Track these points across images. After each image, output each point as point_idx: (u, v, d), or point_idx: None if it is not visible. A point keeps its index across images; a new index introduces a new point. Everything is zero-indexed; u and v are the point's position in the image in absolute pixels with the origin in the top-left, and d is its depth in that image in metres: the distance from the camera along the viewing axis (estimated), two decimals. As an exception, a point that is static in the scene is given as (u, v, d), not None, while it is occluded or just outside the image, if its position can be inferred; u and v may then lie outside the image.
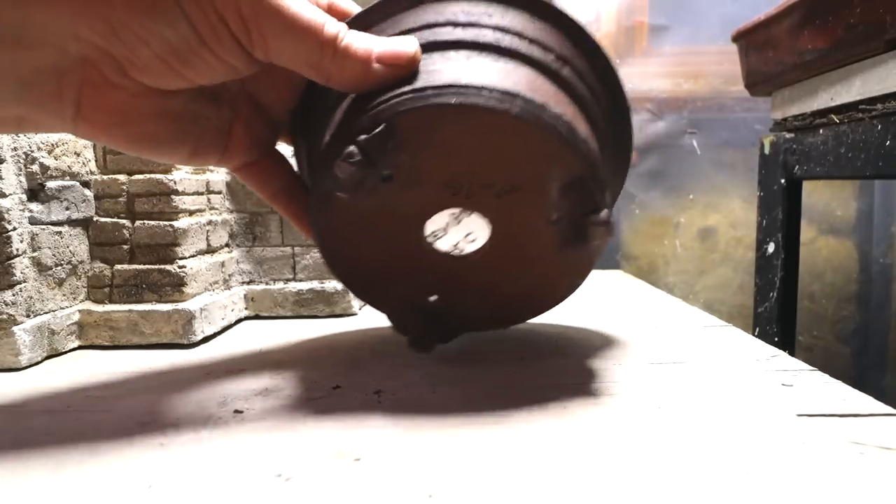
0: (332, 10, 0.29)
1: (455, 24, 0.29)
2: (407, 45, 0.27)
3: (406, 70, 0.27)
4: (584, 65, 0.31)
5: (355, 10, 0.30)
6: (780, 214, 0.68)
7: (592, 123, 0.31)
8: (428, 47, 0.28)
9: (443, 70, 0.27)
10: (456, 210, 0.30)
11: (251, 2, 0.24)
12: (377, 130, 0.26)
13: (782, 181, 0.67)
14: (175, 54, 0.24)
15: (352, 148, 0.26)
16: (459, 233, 0.32)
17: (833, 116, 0.57)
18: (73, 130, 0.26)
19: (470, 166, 0.28)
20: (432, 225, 0.31)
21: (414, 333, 0.33)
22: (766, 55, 0.65)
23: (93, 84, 0.25)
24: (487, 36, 0.28)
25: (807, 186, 0.72)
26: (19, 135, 0.34)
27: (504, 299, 0.34)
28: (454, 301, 0.33)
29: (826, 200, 0.98)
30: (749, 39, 0.68)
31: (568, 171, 0.27)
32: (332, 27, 0.26)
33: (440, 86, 0.26)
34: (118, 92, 0.26)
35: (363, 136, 0.26)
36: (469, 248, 0.32)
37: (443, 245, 0.32)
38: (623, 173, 0.37)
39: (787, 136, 0.66)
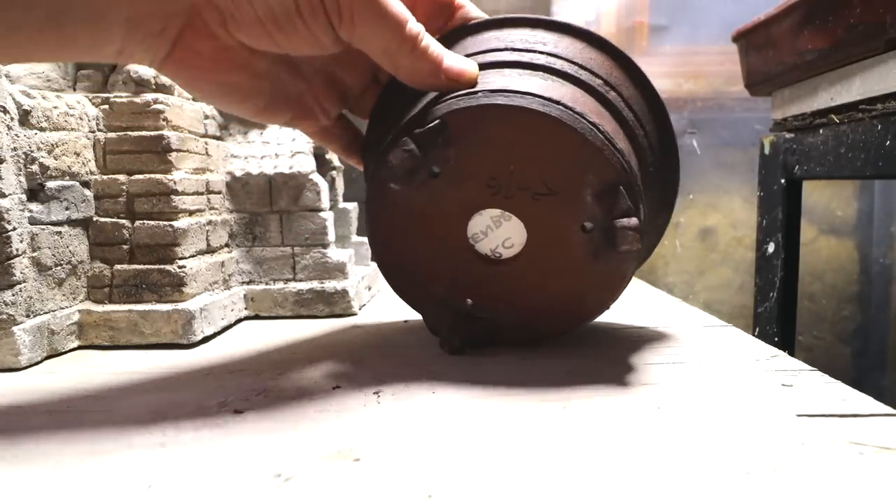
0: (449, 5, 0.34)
1: (513, 50, 0.33)
2: (471, 66, 0.31)
3: (465, 87, 0.30)
4: (631, 93, 0.34)
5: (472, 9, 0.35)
6: (780, 214, 0.68)
7: (634, 144, 0.33)
8: (486, 66, 0.31)
9: (496, 81, 0.30)
10: (497, 212, 0.32)
11: None
12: (430, 125, 0.29)
13: (782, 181, 0.67)
14: (272, 19, 0.27)
15: (406, 139, 0.29)
16: (499, 238, 0.33)
17: (833, 116, 0.57)
18: (159, 68, 0.29)
19: (510, 167, 0.30)
20: (474, 227, 0.33)
21: (446, 334, 0.35)
22: (766, 55, 0.65)
23: (193, 30, 0.27)
24: (540, 59, 0.32)
25: (807, 186, 0.72)
26: (19, 135, 0.34)
27: (533, 310, 0.34)
28: (486, 307, 0.34)
29: (826, 200, 0.98)
30: (749, 39, 0.68)
31: (602, 176, 0.29)
32: (415, 26, 0.29)
33: (491, 90, 0.29)
34: (213, 41, 0.28)
35: (417, 130, 0.29)
36: (506, 254, 0.33)
37: (482, 248, 0.33)
38: (668, 208, 0.39)
39: (787, 136, 0.66)
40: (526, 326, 0.35)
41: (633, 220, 0.29)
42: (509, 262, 0.33)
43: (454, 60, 0.30)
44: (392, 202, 0.32)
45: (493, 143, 0.30)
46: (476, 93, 0.29)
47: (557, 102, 0.29)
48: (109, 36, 0.26)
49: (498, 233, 0.33)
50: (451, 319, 0.35)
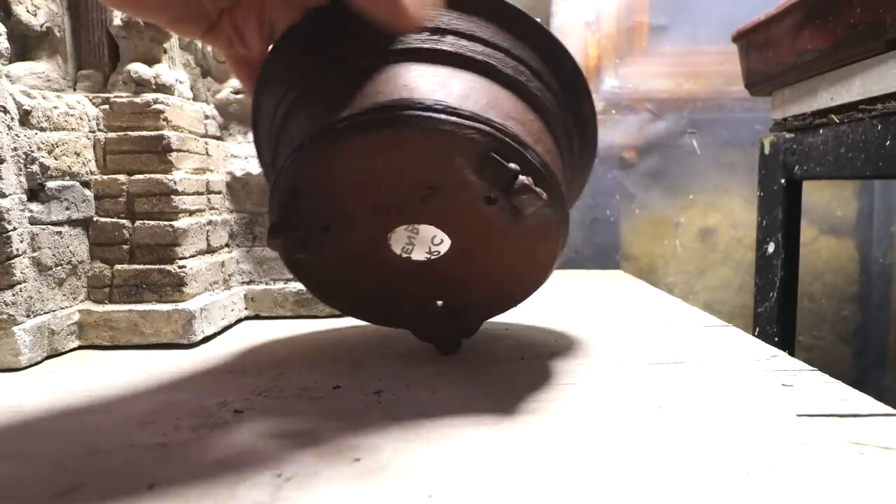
0: None
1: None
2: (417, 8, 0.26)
3: (406, 29, 0.27)
4: (503, 39, 0.30)
5: None
6: (780, 214, 0.68)
7: (520, 91, 0.29)
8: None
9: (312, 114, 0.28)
10: (403, 227, 0.31)
11: None
12: (283, 200, 0.28)
13: (782, 181, 0.67)
14: None
15: (274, 230, 0.28)
16: (425, 241, 0.33)
17: (833, 116, 0.57)
18: None
19: (380, 189, 0.29)
20: (397, 245, 0.32)
21: (437, 339, 0.35)
22: (766, 55, 0.65)
23: None
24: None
25: (807, 186, 0.72)
26: (19, 135, 0.34)
27: (497, 285, 0.34)
28: (458, 298, 0.34)
29: (826, 200, 0.98)
30: (749, 39, 0.68)
31: (466, 154, 0.27)
32: None
33: (310, 136, 0.27)
34: None
35: (275, 214, 0.28)
36: (444, 248, 0.33)
37: (419, 256, 0.33)
38: (587, 141, 0.35)
39: (787, 136, 0.66)
40: (499, 299, 0.35)
41: (522, 181, 0.26)
42: (449, 252, 0.32)
43: None
44: (310, 264, 0.32)
45: (348, 179, 0.28)
46: (301, 145, 0.27)
47: (392, 108, 0.26)
48: None
49: (422, 237, 0.32)
50: (435, 324, 0.34)
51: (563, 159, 0.32)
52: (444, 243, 0.32)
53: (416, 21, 0.27)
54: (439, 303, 0.34)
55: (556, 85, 0.32)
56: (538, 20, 0.31)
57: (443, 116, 0.26)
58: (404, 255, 0.33)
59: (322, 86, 0.28)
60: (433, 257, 0.33)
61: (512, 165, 0.26)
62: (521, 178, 0.26)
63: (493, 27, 0.30)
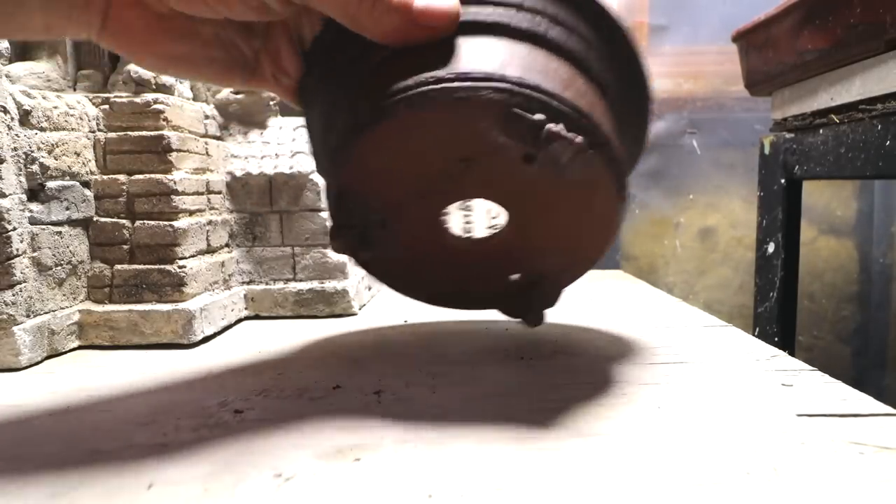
0: None
1: None
2: (445, 1, 0.25)
3: (444, 30, 0.26)
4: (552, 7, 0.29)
5: None
6: (780, 214, 0.68)
7: (533, 42, 0.28)
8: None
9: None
10: (458, 207, 0.30)
11: None
12: (333, 204, 0.29)
13: (782, 181, 0.67)
14: None
15: (331, 228, 0.29)
16: (482, 217, 0.32)
17: (833, 116, 0.57)
18: (98, 41, 0.26)
19: (416, 172, 0.28)
20: (456, 227, 0.32)
21: (521, 313, 0.34)
22: (766, 55, 0.65)
23: (122, 1, 0.25)
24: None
25: (807, 186, 0.72)
26: (19, 135, 0.34)
27: (564, 247, 0.33)
28: (530, 269, 0.33)
29: (826, 200, 0.98)
30: (749, 39, 0.68)
31: (489, 115, 0.26)
32: None
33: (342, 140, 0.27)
34: (144, 11, 0.25)
35: (330, 225, 0.29)
36: (502, 222, 0.32)
37: (480, 233, 0.33)
38: (639, 98, 0.34)
39: (787, 136, 0.66)
40: (571, 263, 0.34)
41: (550, 129, 0.25)
42: (510, 227, 0.32)
43: (425, 2, 0.25)
44: (376, 260, 0.32)
45: (383, 169, 0.28)
46: (336, 147, 0.27)
47: (405, 90, 0.25)
48: (28, 8, 0.23)
49: (477, 214, 0.31)
50: (516, 299, 0.34)
51: (606, 101, 0.30)
52: (500, 215, 0.31)
53: (446, 17, 0.26)
54: (514, 277, 0.33)
55: (584, 27, 0.30)
56: None
57: (455, 84, 0.25)
58: (465, 235, 0.32)
59: (347, 86, 0.28)
60: (494, 231, 0.32)
61: (537, 116, 0.25)
62: (549, 126, 0.25)
63: None
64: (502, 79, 0.25)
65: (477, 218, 0.32)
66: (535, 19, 0.28)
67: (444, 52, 0.26)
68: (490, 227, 0.32)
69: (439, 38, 0.26)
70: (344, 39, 0.27)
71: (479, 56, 0.26)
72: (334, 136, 0.29)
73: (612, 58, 0.31)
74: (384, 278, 0.35)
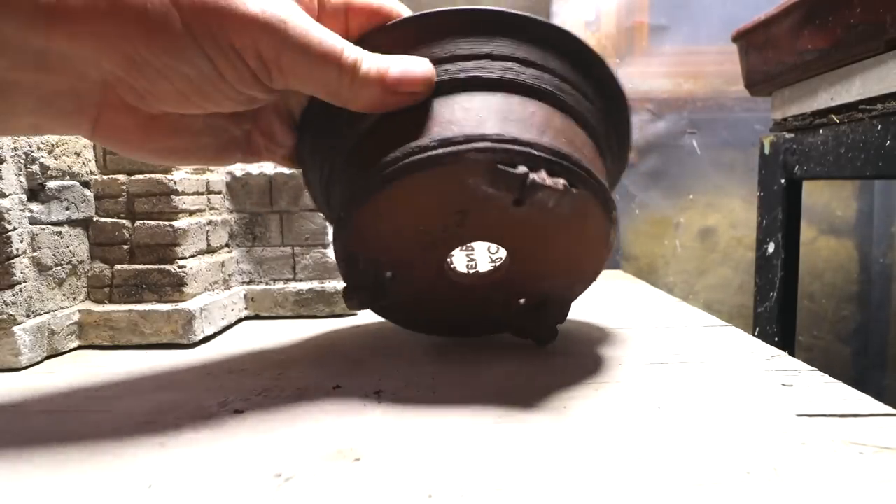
0: (380, 12, 0.29)
1: None
2: (420, 68, 0.27)
3: (422, 95, 0.27)
4: (530, 52, 0.30)
5: (403, 11, 0.30)
6: (780, 214, 0.68)
7: (508, 91, 0.29)
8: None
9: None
10: (459, 250, 0.33)
11: (272, 44, 0.24)
12: (343, 267, 0.31)
13: (782, 181, 0.67)
14: (194, 89, 0.25)
15: (344, 290, 0.32)
16: (483, 254, 0.34)
17: (833, 116, 0.57)
18: (91, 139, 0.27)
19: (417, 229, 0.30)
20: (460, 265, 0.34)
21: (533, 333, 0.36)
22: (766, 55, 0.65)
23: (112, 106, 0.26)
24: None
25: (807, 186, 0.72)
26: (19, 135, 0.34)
27: (565, 270, 0.34)
28: (535, 293, 0.34)
29: (826, 200, 0.98)
30: (749, 39, 0.68)
31: (476, 174, 0.27)
32: (351, 53, 0.26)
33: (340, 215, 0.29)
34: (135, 114, 0.26)
35: (344, 286, 0.32)
36: (503, 255, 0.34)
37: (482, 268, 0.35)
38: (618, 123, 0.35)
39: (787, 136, 0.66)
40: (570, 287, 0.35)
41: (533, 180, 0.26)
42: (512, 260, 0.33)
43: (399, 67, 0.27)
44: (395, 307, 0.34)
45: (387, 231, 0.30)
46: (339, 217, 0.29)
47: (393, 162, 0.27)
48: (19, 111, 0.24)
49: (479, 251, 0.33)
50: (528, 321, 0.35)
51: (587, 130, 0.31)
52: (500, 250, 0.33)
53: (419, 83, 0.27)
54: (521, 301, 0.35)
55: (558, 64, 0.31)
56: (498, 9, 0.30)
57: (439, 151, 0.26)
58: (471, 272, 0.34)
59: (338, 154, 0.30)
60: (497, 264, 0.34)
61: (520, 169, 0.26)
62: (532, 176, 0.26)
63: (474, 38, 0.30)
64: (482, 138, 0.27)
65: (479, 255, 0.34)
66: (506, 65, 0.29)
67: (424, 117, 0.28)
68: (492, 262, 0.35)
69: (419, 102, 0.28)
70: (330, 110, 0.29)
71: (457, 116, 0.28)
72: (334, 207, 0.31)
73: (586, 80, 0.32)
74: (399, 320, 0.36)
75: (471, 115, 0.28)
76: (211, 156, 0.30)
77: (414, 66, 0.27)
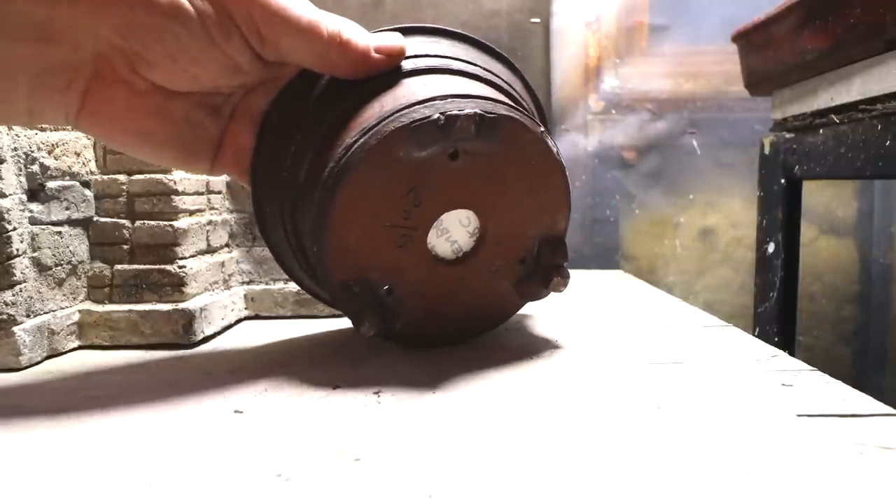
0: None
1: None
2: (395, 40, 0.31)
3: (397, 59, 0.31)
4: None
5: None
6: (780, 214, 0.68)
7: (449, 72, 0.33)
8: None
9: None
10: (433, 235, 0.33)
11: (261, 7, 0.27)
12: (338, 297, 0.32)
13: (782, 181, 0.67)
14: (185, 52, 0.27)
15: (352, 321, 0.32)
16: (458, 226, 0.34)
17: (833, 116, 0.57)
18: (74, 124, 0.28)
19: (381, 230, 0.31)
20: (446, 250, 0.34)
21: (546, 281, 0.35)
22: (766, 55, 0.65)
23: (102, 79, 0.27)
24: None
25: (807, 186, 0.72)
26: (19, 135, 0.34)
27: (536, 213, 0.35)
28: (523, 249, 0.35)
29: (826, 200, 0.98)
30: (749, 39, 0.68)
31: (399, 144, 0.29)
32: (333, 24, 0.29)
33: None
34: (124, 88, 0.27)
35: (352, 315, 0.32)
36: (472, 222, 0.34)
37: (464, 243, 0.34)
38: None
39: (787, 136, 0.66)
40: (550, 225, 0.36)
41: (447, 113, 0.28)
42: (483, 223, 0.34)
43: (379, 39, 0.31)
44: (408, 327, 0.34)
45: (357, 248, 0.31)
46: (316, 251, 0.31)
47: (323, 183, 0.29)
48: (15, 94, 0.26)
49: (452, 226, 0.33)
50: (540, 274, 0.35)
51: (501, 92, 0.34)
52: (471, 218, 0.33)
53: (396, 52, 0.31)
54: (521, 260, 0.35)
55: (466, 53, 0.36)
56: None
57: (365, 138, 0.29)
58: (460, 256, 0.34)
59: (296, 193, 0.32)
60: (477, 234, 0.34)
61: (434, 116, 0.28)
62: (446, 112, 0.28)
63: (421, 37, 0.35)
64: (395, 110, 0.29)
65: (456, 233, 0.34)
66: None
67: (353, 124, 0.30)
68: (470, 235, 0.34)
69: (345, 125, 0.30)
70: (280, 146, 0.32)
71: (385, 104, 0.30)
72: (308, 243, 0.32)
73: (490, 59, 0.37)
74: (423, 341, 0.36)
75: (396, 100, 0.30)
76: (184, 151, 0.31)
77: (390, 39, 0.31)
